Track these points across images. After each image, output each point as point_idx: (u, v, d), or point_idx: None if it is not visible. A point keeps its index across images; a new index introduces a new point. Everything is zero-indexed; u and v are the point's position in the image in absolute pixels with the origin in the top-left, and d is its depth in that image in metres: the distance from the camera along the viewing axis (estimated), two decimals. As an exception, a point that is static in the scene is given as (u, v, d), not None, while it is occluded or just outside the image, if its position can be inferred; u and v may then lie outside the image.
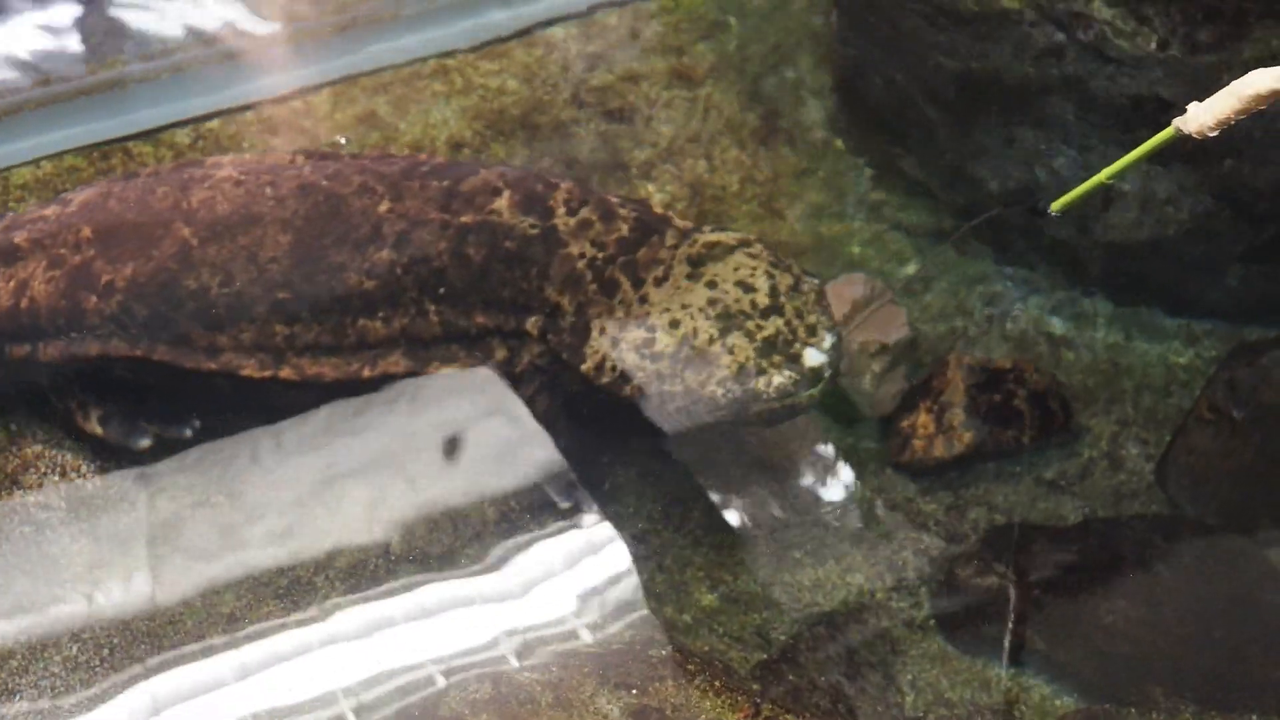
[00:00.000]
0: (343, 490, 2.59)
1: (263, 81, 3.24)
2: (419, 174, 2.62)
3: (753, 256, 2.56)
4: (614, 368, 2.50)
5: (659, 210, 2.70)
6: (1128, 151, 2.76)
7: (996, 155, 2.99)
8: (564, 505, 2.57)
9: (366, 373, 2.56)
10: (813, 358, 2.48)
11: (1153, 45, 2.75)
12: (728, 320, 2.48)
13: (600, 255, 2.56)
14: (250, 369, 2.54)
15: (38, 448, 2.64)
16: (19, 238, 2.62)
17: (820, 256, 3.07)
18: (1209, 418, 2.77)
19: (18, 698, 2.36)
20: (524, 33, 3.37)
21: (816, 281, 2.57)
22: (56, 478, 2.61)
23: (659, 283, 2.53)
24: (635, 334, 2.50)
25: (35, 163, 3.08)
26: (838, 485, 2.78)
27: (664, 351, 2.48)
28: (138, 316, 2.54)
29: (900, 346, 2.87)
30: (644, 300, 2.52)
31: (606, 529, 2.53)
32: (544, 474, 2.55)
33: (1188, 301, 2.99)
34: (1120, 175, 2.78)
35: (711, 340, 2.47)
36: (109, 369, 2.59)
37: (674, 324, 2.49)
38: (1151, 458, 2.84)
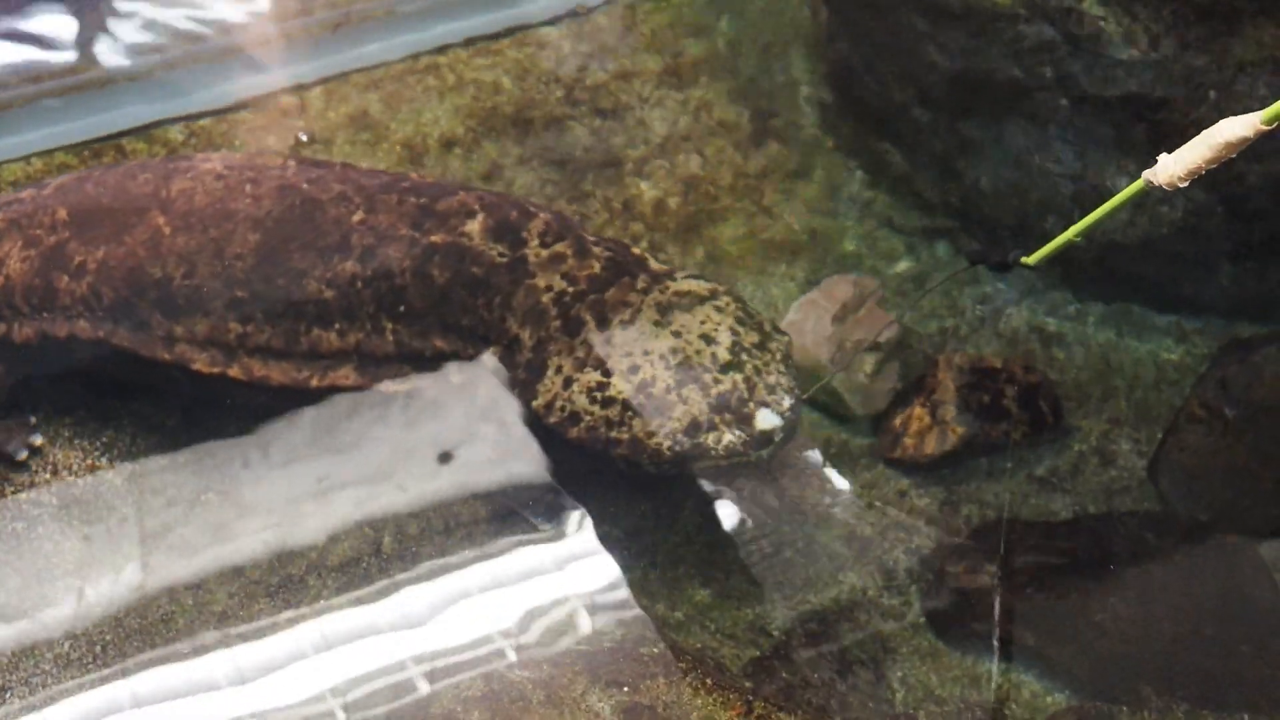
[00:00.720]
0: (335, 489, 2.59)
1: (255, 79, 3.24)
2: (398, 189, 2.59)
3: (720, 310, 2.50)
4: (563, 408, 2.46)
5: (636, 251, 2.64)
6: (1119, 150, 2.77)
7: (987, 154, 3.00)
8: (555, 503, 2.57)
9: (315, 383, 2.54)
10: (765, 420, 2.42)
11: (1144, 43, 2.75)
12: (685, 372, 2.43)
13: (569, 291, 2.51)
14: (201, 364, 2.53)
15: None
16: None
17: (812, 254, 3.08)
18: (1201, 415, 2.77)
19: (9, 695, 2.36)
20: (515, 30, 3.38)
21: (786, 339, 2.53)
22: (48, 475, 2.61)
23: (624, 326, 2.48)
24: (590, 376, 2.45)
25: (26, 159, 3.08)
26: (829, 483, 2.78)
27: (616, 397, 2.44)
28: (104, 299, 2.53)
29: (891, 345, 2.87)
30: (607, 342, 2.47)
31: (598, 527, 2.53)
32: (535, 474, 2.55)
33: (1180, 299, 3.00)
34: (1113, 175, 2.79)
35: (667, 390, 2.42)
36: (74, 357, 2.59)
37: (632, 369, 2.44)
38: (1143, 455, 2.84)
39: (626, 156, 3.20)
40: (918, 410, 2.82)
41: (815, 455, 2.81)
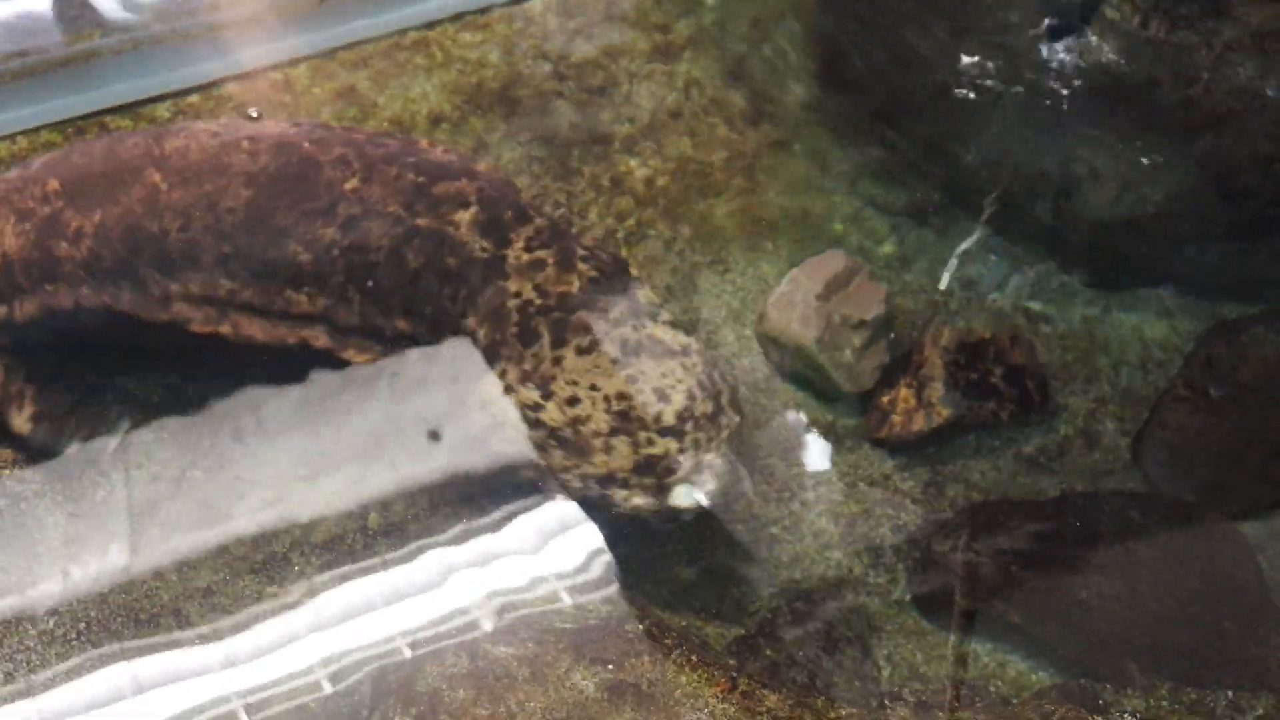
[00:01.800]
0: (323, 466, 2.58)
1: (241, 55, 3.23)
2: (401, 161, 2.56)
3: (685, 369, 2.43)
4: (494, 415, 2.43)
5: (633, 273, 2.59)
6: (1107, 131, 2.77)
7: (975, 133, 2.99)
8: (541, 482, 2.56)
9: (289, 340, 2.51)
10: (681, 497, 2.38)
11: (1135, 22, 2.75)
12: (623, 422, 2.38)
13: (536, 302, 2.45)
14: (198, 323, 2.50)
15: (14, 420, 2.64)
16: None
17: (801, 231, 3.08)
18: (1186, 395, 2.77)
19: (-8, 670, 2.37)
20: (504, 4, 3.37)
21: (738, 419, 2.46)
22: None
23: (581, 353, 2.42)
24: (529, 394, 2.41)
25: (10, 138, 3.06)
26: (815, 461, 2.78)
27: (545, 421, 2.40)
28: (104, 262, 2.51)
29: (879, 322, 2.87)
30: (557, 364, 2.41)
31: (583, 505, 2.52)
32: (521, 452, 2.54)
33: (1166, 279, 3.00)
34: (1100, 155, 2.79)
35: (596, 434, 2.38)
36: (73, 331, 2.57)
37: (572, 401, 2.39)
38: (1128, 434, 2.84)
39: (615, 133, 3.20)
40: (904, 391, 2.82)
41: (801, 433, 2.81)
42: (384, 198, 2.51)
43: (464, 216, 2.51)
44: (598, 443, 2.37)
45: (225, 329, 2.51)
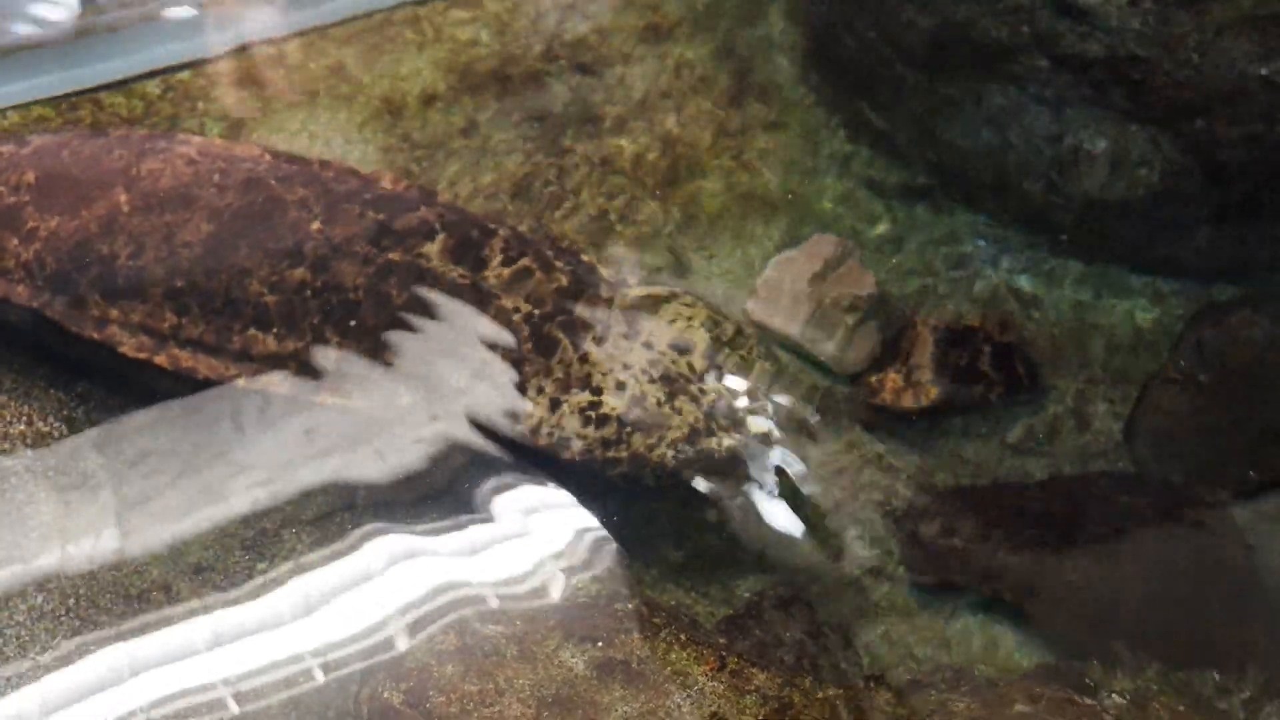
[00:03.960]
0: (313, 445, 2.58)
1: (232, 31, 3.22)
2: (361, 199, 2.56)
3: (684, 316, 2.52)
4: (552, 433, 2.45)
5: (587, 259, 2.62)
6: (1101, 111, 2.77)
7: (967, 114, 2.99)
8: (531, 461, 2.56)
9: (242, 383, 2.49)
10: (757, 423, 2.47)
11: (1125, 2, 2.75)
12: (671, 383, 2.44)
13: (537, 312, 2.49)
14: (129, 348, 2.50)
15: (3, 397, 2.63)
16: None
17: (792, 213, 3.07)
18: (1176, 378, 2.78)
19: (-15, 646, 2.37)
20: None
21: (748, 331, 2.56)
22: (23, 426, 2.60)
23: (598, 343, 2.47)
24: (579, 398, 2.44)
25: (2, 113, 3.06)
26: (805, 443, 2.78)
27: (610, 415, 2.44)
28: (46, 268, 2.52)
29: (869, 305, 2.87)
30: (585, 361, 2.46)
31: (573, 484, 2.53)
32: (512, 431, 2.54)
33: (1157, 261, 3.00)
34: (1091, 137, 2.79)
35: (659, 403, 2.43)
36: (6, 316, 2.58)
37: (619, 386, 2.44)
38: (1119, 416, 2.84)
39: (606, 113, 3.19)
40: (892, 375, 2.82)
41: (791, 416, 2.81)
42: (350, 237, 2.51)
43: (432, 248, 2.52)
44: (666, 409, 2.43)
45: (161, 359, 2.50)
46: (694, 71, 3.28)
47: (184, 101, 3.11)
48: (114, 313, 2.51)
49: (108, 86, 3.12)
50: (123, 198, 2.54)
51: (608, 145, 3.13)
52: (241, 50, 3.20)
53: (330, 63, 3.19)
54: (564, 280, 2.52)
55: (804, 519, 2.69)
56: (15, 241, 2.53)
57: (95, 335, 2.51)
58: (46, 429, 2.60)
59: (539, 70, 3.24)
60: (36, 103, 3.07)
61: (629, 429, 2.43)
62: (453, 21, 3.29)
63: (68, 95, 3.10)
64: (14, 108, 3.06)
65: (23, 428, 2.60)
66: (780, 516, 2.68)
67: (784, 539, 2.66)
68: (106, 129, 2.79)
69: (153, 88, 3.13)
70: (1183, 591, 2.58)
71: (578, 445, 2.44)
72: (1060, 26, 2.80)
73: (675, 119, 3.20)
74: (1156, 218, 2.92)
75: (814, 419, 2.80)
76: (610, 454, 2.43)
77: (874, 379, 2.83)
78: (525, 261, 2.53)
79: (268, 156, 2.62)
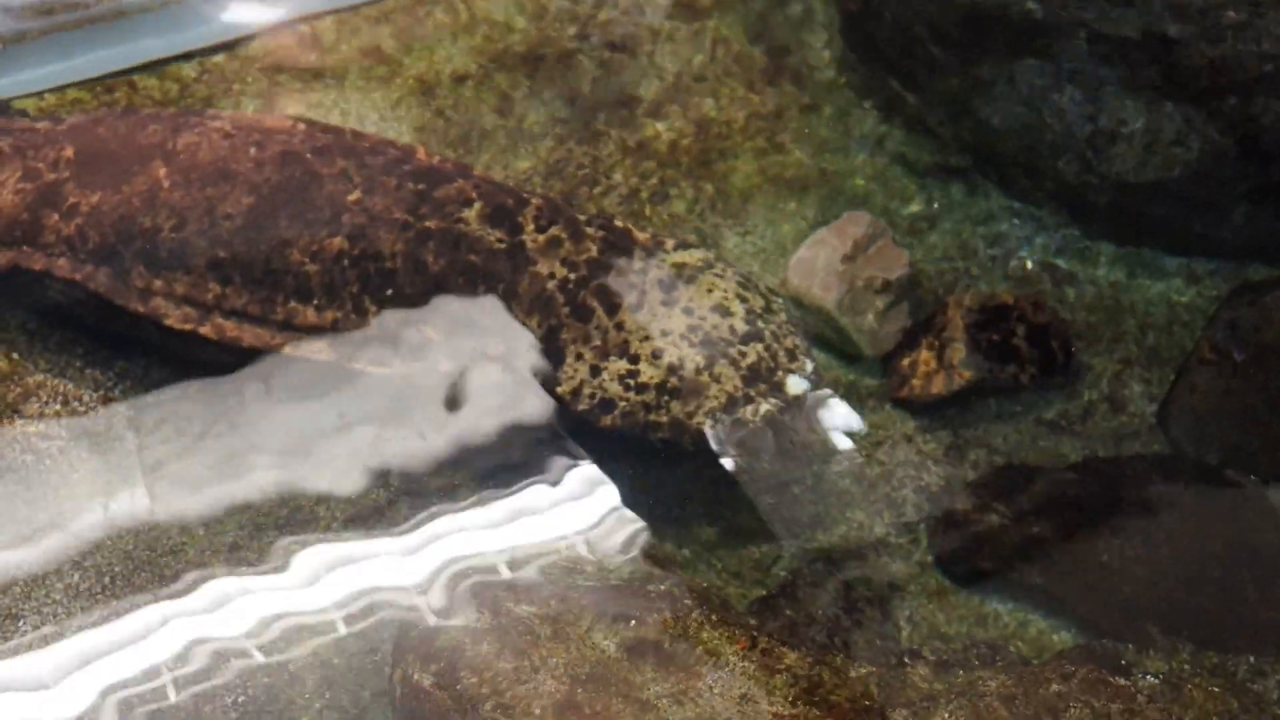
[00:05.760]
0: (346, 424, 2.59)
1: (266, 12, 3.23)
2: (399, 171, 2.57)
3: (720, 278, 2.54)
4: (594, 395, 2.46)
5: (620, 225, 2.63)
6: (1133, 91, 2.76)
7: (1001, 93, 2.98)
8: (568, 428, 2.57)
9: (287, 351, 2.52)
10: (795, 385, 2.48)
11: (1161, -19, 2.74)
12: (710, 349, 2.46)
13: (572, 277, 2.51)
14: (174, 319, 2.52)
15: (39, 376, 2.65)
16: (3, 144, 2.64)
17: (824, 193, 3.07)
18: (1210, 358, 2.76)
19: (22, 622, 2.38)
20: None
21: (781, 301, 2.57)
22: (58, 406, 2.61)
23: (635, 309, 2.48)
24: (619, 364, 2.46)
25: (39, 94, 3.08)
26: (837, 422, 2.78)
27: (649, 383, 2.45)
28: (89, 242, 2.54)
29: (902, 285, 2.86)
30: (622, 327, 2.48)
31: (605, 463, 2.53)
32: (545, 411, 2.54)
33: (1192, 240, 2.99)
34: (1126, 116, 2.77)
35: (697, 371, 2.45)
36: (43, 293, 2.61)
37: (656, 353, 2.46)
38: (1154, 398, 2.83)
39: (639, 94, 3.19)
40: (925, 353, 2.81)
41: (824, 394, 2.80)
42: (388, 207, 2.52)
43: (470, 213, 2.53)
44: (704, 377, 2.44)
45: (206, 330, 2.52)
46: (728, 51, 3.27)
47: (218, 83, 3.12)
48: (158, 285, 2.52)
49: (142, 68, 3.13)
50: (162, 171, 2.55)
51: (641, 126, 3.13)
52: (275, 31, 3.21)
53: (363, 43, 3.19)
54: (598, 247, 2.54)
55: (837, 496, 2.69)
56: (56, 217, 2.55)
57: (140, 308, 2.53)
58: (83, 408, 2.62)
59: (572, 51, 3.24)
60: (71, 85, 3.09)
61: (667, 396, 2.44)
62: (486, 1, 3.29)
63: (102, 77, 3.11)
64: (50, 90, 3.08)
65: (58, 407, 2.62)
66: (813, 493, 2.68)
67: (817, 517, 2.66)
68: (138, 109, 2.79)
69: (187, 69, 3.14)
70: (1217, 573, 2.57)
71: (618, 410, 2.45)
72: (1095, 4, 2.78)
73: (709, 99, 3.20)
74: (1191, 197, 2.90)
75: (845, 396, 2.80)
76: (650, 418, 2.45)
77: (906, 360, 2.82)
78: (558, 230, 2.55)
79: (301, 127, 2.64)
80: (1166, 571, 2.56)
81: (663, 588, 2.33)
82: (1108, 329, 2.92)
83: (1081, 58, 2.85)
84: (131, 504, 2.52)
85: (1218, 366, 2.75)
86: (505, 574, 2.36)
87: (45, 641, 2.35)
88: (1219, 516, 2.65)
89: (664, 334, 2.47)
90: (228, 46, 3.17)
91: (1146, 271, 2.99)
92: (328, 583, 2.42)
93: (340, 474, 2.56)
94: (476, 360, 2.50)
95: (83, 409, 2.62)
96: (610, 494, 2.51)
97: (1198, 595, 2.55)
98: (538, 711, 2.12)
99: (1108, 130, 2.87)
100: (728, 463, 2.50)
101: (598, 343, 2.47)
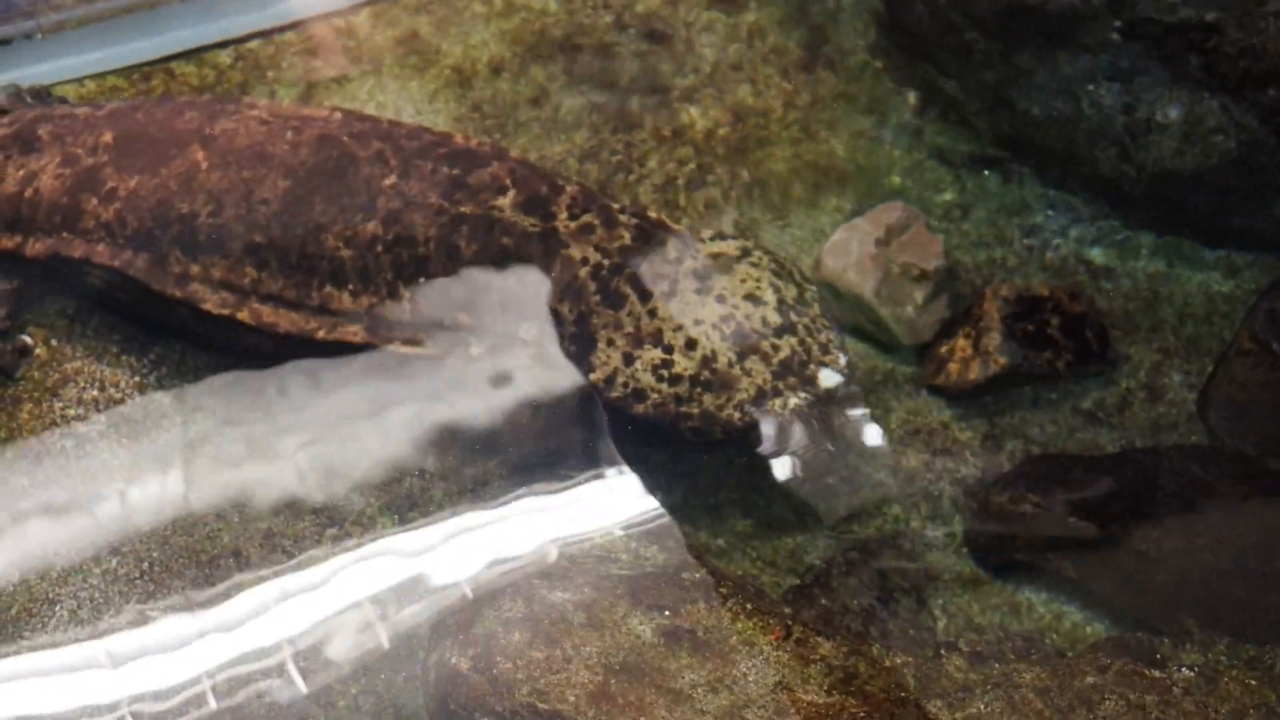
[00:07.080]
0: (380, 412, 2.60)
1: (303, 0, 3.24)
2: (434, 155, 2.58)
3: (755, 266, 2.54)
4: (626, 384, 2.47)
5: (654, 216, 2.63)
6: (1171, 79, 2.74)
7: (1039, 82, 2.97)
8: (596, 427, 2.57)
9: (322, 335, 2.53)
10: (827, 379, 2.48)
11: (1199, -31, 2.73)
12: (743, 341, 2.46)
13: (605, 263, 2.51)
14: (212, 304, 2.53)
15: (77, 363, 2.67)
16: (43, 130, 2.66)
17: (859, 182, 3.06)
18: (1250, 349, 2.75)
19: (58, 607, 2.39)
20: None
21: (815, 290, 2.57)
22: (96, 392, 2.63)
23: (667, 298, 2.49)
24: (652, 354, 2.46)
25: (80, 81, 3.10)
26: (874, 412, 2.77)
27: (682, 374, 2.45)
28: (128, 227, 2.55)
29: (940, 276, 2.86)
30: (656, 316, 2.48)
31: (639, 453, 2.53)
32: (579, 401, 2.55)
33: (1231, 232, 2.97)
34: (1164, 107, 2.76)
35: (730, 364, 2.45)
36: (83, 280, 2.62)
37: (690, 344, 2.46)
38: (1193, 388, 2.82)
39: (675, 83, 3.19)
40: (961, 341, 2.80)
41: (859, 383, 2.80)
42: (423, 191, 2.53)
43: (504, 200, 2.53)
44: (736, 370, 2.45)
45: (243, 315, 2.53)
46: (764, 41, 3.27)
47: (254, 70, 3.13)
48: (195, 269, 2.53)
49: (180, 56, 3.15)
50: (200, 156, 2.56)
51: (677, 115, 3.13)
52: (311, 20, 3.21)
53: (400, 32, 3.20)
54: (630, 235, 2.54)
55: (871, 485, 2.68)
56: (95, 202, 2.56)
57: (178, 293, 2.54)
58: (119, 394, 2.63)
59: (609, 41, 3.24)
60: (111, 72, 3.10)
61: (699, 389, 2.44)
62: (522, -10, 3.30)
63: (140, 65, 3.13)
64: (90, 76, 3.10)
65: (96, 393, 2.63)
66: (848, 483, 2.68)
67: (850, 506, 2.66)
68: (173, 97, 2.81)
69: (224, 57, 3.15)
70: (1255, 565, 2.56)
71: (651, 399, 2.45)
72: (1133, -4, 2.78)
73: (745, 88, 3.20)
74: (1230, 187, 2.89)
75: (881, 384, 2.80)
76: (682, 409, 2.45)
77: (943, 348, 2.81)
78: (590, 217, 2.55)
79: (338, 114, 2.64)
80: (1203, 563, 2.55)
81: (697, 576, 2.33)
82: (1146, 319, 2.91)
83: (1120, 47, 2.84)
84: (168, 490, 2.53)
85: (1257, 357, 2.73)
86: (539, 561, 2.37)
87: (81, 625, 2.37)
88: (1257, 507, 2.64)
89: (696, 323, 2.47)
90: (264, 34, 3.18)
91: (1185, 263, 2.97)
92: (362, 569, 2.43)
93: (374, 460, 2.57)
94: (509, 345, 2.50)
95: (120, 395, 2.63)
96: (643, 482, 2.51)
97: (1235, 587, 2.54)
98: (571, 699, 2.12)
99: (1145, 120, 2.86)
100: (760, 453, 2.50)
101: (630, 330, 2.48)
